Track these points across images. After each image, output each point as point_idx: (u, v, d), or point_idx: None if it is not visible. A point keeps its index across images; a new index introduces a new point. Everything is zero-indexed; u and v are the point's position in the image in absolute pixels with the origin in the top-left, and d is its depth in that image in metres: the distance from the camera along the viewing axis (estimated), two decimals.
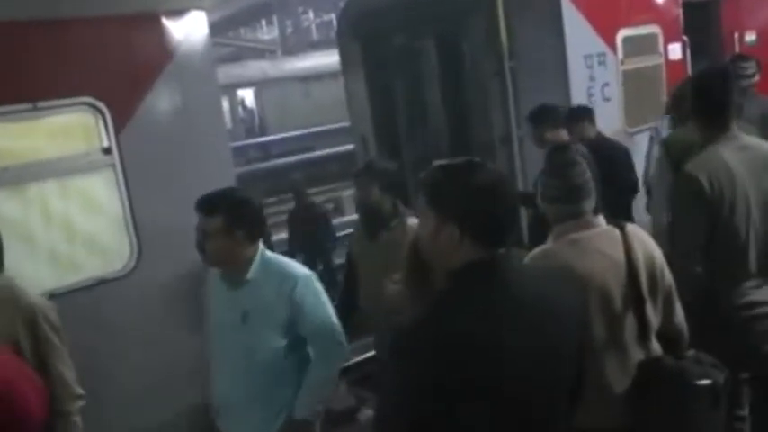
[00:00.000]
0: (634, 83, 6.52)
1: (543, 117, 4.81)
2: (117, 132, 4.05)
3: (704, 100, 3.11)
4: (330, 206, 13.46)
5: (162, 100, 4.28)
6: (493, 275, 1.80)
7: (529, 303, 1.79)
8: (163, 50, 4.26)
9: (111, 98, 4.03)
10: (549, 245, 2.50)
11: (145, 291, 4.08)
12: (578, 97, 5.93)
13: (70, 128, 4.06)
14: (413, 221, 3.68)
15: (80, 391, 3.05)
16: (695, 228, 2.96)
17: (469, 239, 1.78)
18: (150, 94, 4.21)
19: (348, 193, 13.85)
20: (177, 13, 4.38)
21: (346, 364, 6.62)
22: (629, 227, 2.53)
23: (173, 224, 4.05)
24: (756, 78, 5.04)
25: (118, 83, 4.12)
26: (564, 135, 4.77)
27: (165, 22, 4.30)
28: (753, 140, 3.14)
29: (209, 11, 4.64)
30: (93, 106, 4.00)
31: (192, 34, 4.41)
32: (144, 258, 4.08)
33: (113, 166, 4.06)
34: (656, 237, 3.83)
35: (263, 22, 35.13)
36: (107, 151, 4.05)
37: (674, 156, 4.04)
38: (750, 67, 5.03)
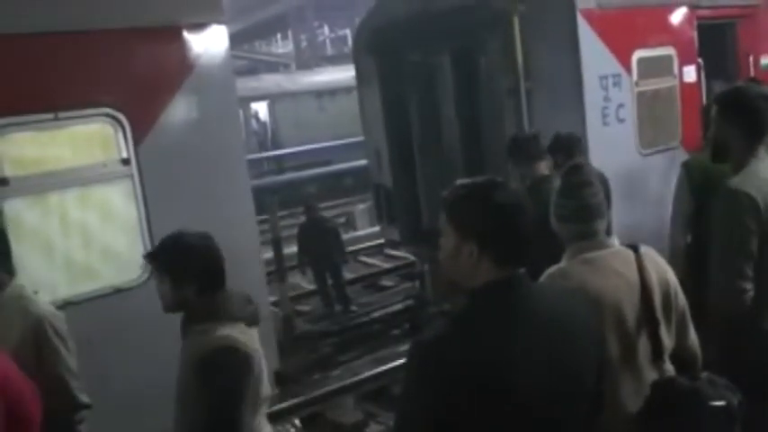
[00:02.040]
0: (648, 104, 6.53)
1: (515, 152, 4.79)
2: (136, 144, 4.10)
3: (751, 117, 3.02)
4: (342, 220, 13.50)
5: (181, 112, 4.34)
6: (511, 295, 1.81)
7: (546, 324, 1.81)
8: (183, 63, 4.32)
9: (131, 110, 4.09)
10: (564, 264, 2.51)
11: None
12: (593, 118, 5.95)
13: (90, 138, 4.12)
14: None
15: (85, 400, 3.07)
16: (748, 244, 2.85)
17: (488, 258, 1.80)
18: (170, 107, 4.27)
19: (361, 207, 13.91)
20: (198, 26, 4.44)
21: (355, 378, 6.69)
22: (643, 248, 2.54)
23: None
24: None
25: (138, 95, 4.17)
26: (542, 167, 4.69)
27: (186, 35, 4.37)
28: None
29: (228, 25, 4.70)
30: (113, 117, 4.06)
31: (212, 47, 4.47)
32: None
33: (131, 176, 4.11)
34: (671, 258, 3.88)
35: (278, 36, 35.43)
36: (126, 162, 4.11)
37: (695, 179, 4.10)
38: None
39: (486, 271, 1.80)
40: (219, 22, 4.56)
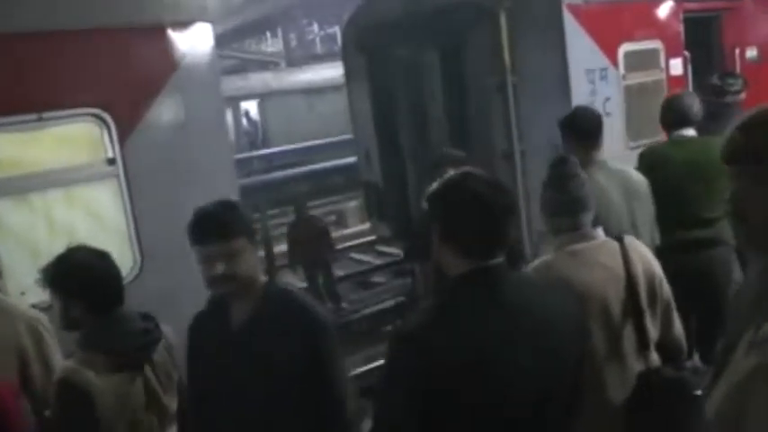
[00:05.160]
0: (636, 97, 6.55)
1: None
2: (121, 143, 4.08)
3: None
4: (332, 218, 13.50)
5: (166, 111, 4.31)
6: (485, 287, 1.83)
7: (524, 314, 1.82)
8: (168, 62, 4.29)
9: (116, 109, 4.06)
10: (550, 256, 2.52)
11: (147, 301, 4.10)
12: None
13: (75, 138, 4.09)
14: None
15: None
16: None
17: (455, 251, 1.83)
18: (155, 106, 4.24)
19: (352, 204, 13.90)
20: (183, 25, 4.42)
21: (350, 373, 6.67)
22: (628, 239, 2.55)
23: (176, 235, 4.06)
24: (743, 95, 5.13)
25: (123, 94, 4.15)
26: None
27: (171, 33, 4.34)
28: None
29: (214, 23, 4.68)
30: (98, 117, 4.03)
31: (197, 46, 4.45)
32: (146, 269, 4.09)
33: (117, 176, 4.08)
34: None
35: (268, 35, 35.34)
36: (111, 162, 4.08)
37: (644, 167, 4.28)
38: (736, 83, 5.12)
39: (456, 263, 1.84)
40: (205, 21, 4.54)
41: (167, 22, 4.35)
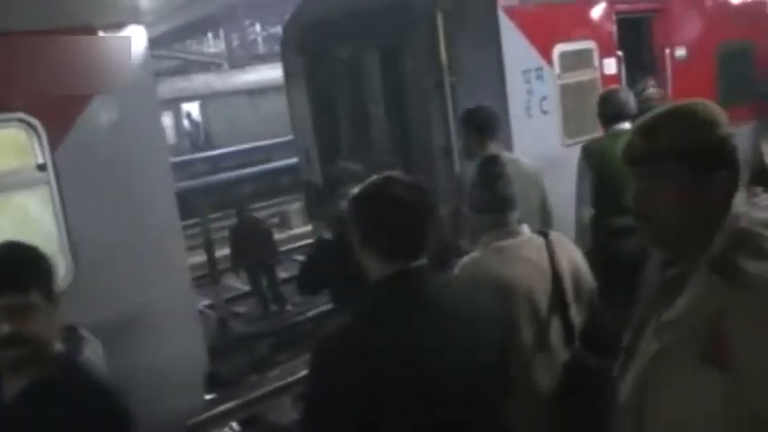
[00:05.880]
0: (571, 96, 6.70)
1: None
2: (52, 149, 3.98)
3: None
4: (275, 220, 13.42)
5: (99, 116, 4.23)
6: (407, 289, 1.84)
7: (448, 314, 1.84)
8: (99, 65, 4.21)
9: (46, 114, 3.97)
10: (476, 253, 2.58)
11: (81, 308, 4.02)
12: (517, 110, 6.08)
13: (2, 144, 3.98)
14: None
15: None
16: None
17: (373, 255, 1.85)
18: (86, 110, 4.16)
19: (295, 206, 13.84)
20: (114, 27, 4.34)
21: (292, 378, 6.65)
22: (553, 234, 2.63)
23: (110, 241, 4.01)
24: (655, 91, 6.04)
25: (52, 98, 4.06)
26: None
27: (103, 36, 4.27)
28: None
29: (148, 25, 4.62)
30: (27, 122, 3.93)
31: (130, 49, 4.38)
32: (80, 276, 4.01)
33: (48, 183, 3.99)
34: (579, 230, 4.58)
35: (210, 35, 34.87)
36: (42, 168, 3.98)
37: (592, 160, 4.70)
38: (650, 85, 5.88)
39: (378, 266, 1.85)
40: (137, 23, 4.48)
41: (98, 24, 4.27)
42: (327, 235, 4.27)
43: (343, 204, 3.54)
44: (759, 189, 3.68)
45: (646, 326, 1.61)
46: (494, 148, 4.33)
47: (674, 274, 1.60)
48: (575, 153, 6.40)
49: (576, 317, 2.58)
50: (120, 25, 4.36)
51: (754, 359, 1.37)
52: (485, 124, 4.43)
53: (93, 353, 2.39)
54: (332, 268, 4.03)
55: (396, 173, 1.93)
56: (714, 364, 1.41)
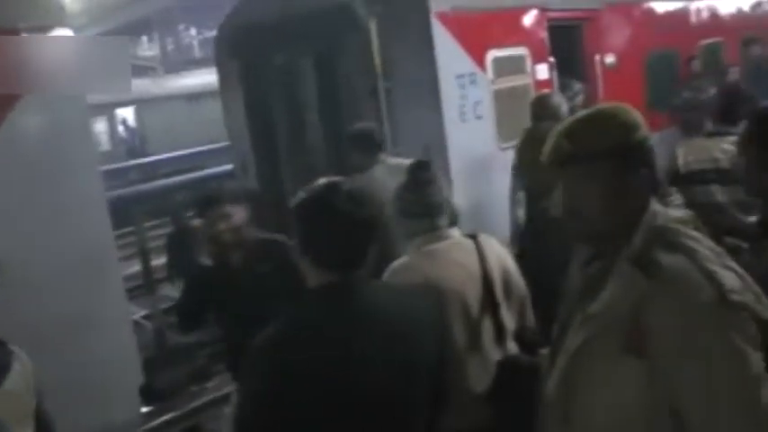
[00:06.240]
0: (505, 101, 6.82)
1: None
2: None
3: None
4: None
5: (25, 121, 4.11)
6: (341, 299, 1.82)
7: (381, 324, 1.83)
8: (23, 70, 4.09)
9: None
10: (406, 258, 2.60)
11: (2, 321, 3.89)
12: (451, 115, 6.15)
13: None
14: None
15: None
16: None
17: (319, 264, 1.84)
18: (11, 116, 4.04)
19: None
20: (39, 30, 4.23)
21: (230, 388, 6.54)
22: (482, 236, 2.68)
23: (35, 249, 3.90)
24: (581, 97, 6.25)
25: None
26: None
27: (26, 39, 4.14)
28: None
29: (76, 29, 4.51)
30: None
31: (55, 52, 4.27)
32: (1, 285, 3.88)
33: None
34: (512, 230, 4.85)
35: (144, 39, 34.18)
36: None
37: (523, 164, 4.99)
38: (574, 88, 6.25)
39: (315, 275, 1.85)
40: (64, 26, 4.37)
41: (22, 27, 4.15)
42: (206, 261, 3.79)
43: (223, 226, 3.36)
44: (673, 189, 3.87)
45: (572, 320, 1.66)
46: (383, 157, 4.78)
47: (598, 269, 1.67)
48: (509, 156, 6.56)
49: (507, 317, 2.63)
50: (45, 28, 4.25)
51: (666, 346, 1.45)
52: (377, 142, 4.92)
53: (22, 367, 2.38)
54: (217, 295, 3.66)
55: (342, 180, 1.90)
56: (633, 353, 1.48)
